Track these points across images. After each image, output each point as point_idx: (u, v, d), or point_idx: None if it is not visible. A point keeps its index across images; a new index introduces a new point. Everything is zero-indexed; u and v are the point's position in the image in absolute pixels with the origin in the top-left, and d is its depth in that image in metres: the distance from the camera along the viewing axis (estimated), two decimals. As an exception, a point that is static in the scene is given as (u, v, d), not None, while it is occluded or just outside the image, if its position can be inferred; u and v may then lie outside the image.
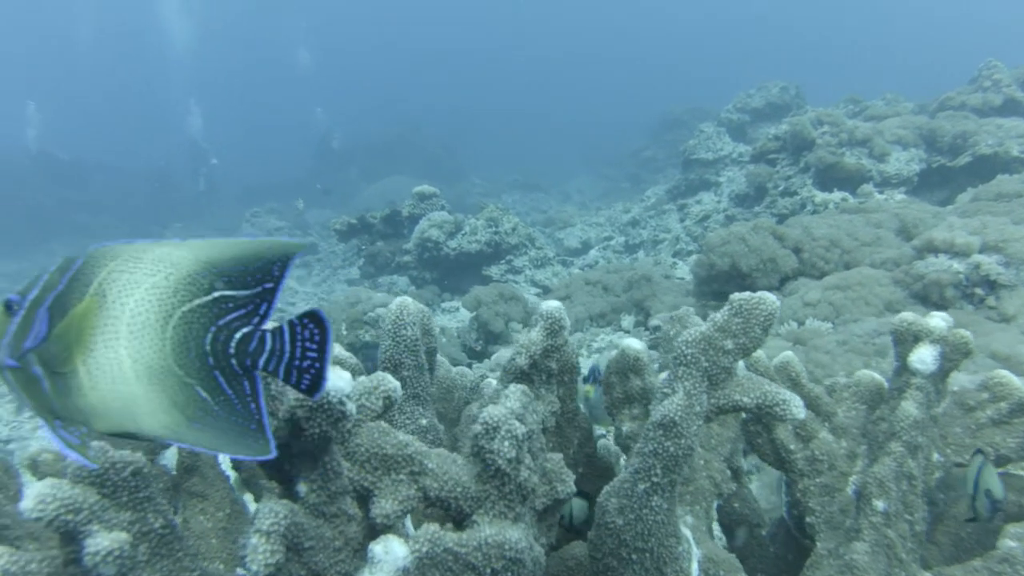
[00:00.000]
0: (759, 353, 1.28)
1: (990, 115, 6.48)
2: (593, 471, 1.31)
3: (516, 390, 0.92)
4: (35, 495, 0.68)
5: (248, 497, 1.55)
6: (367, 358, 4.66)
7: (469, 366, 4.30)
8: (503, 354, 4.07)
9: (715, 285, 4.10)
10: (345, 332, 4.61)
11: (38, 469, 1.35)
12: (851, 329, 3.12)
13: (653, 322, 4.09)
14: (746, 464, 1.54)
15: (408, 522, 1.23)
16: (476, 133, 20.43)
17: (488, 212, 6.63)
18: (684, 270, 6.23)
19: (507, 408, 0.86)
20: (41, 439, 5.31)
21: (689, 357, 0.95)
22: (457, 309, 5.89)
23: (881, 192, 6.05)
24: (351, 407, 0.77)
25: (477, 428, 0.85)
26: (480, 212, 6.75)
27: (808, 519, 1.16)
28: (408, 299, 1.20)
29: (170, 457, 1.41)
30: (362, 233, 7.08)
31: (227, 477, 1.45)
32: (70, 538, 0.71)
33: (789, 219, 4.84)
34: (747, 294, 0.98)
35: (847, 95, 8.48)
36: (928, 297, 3.35)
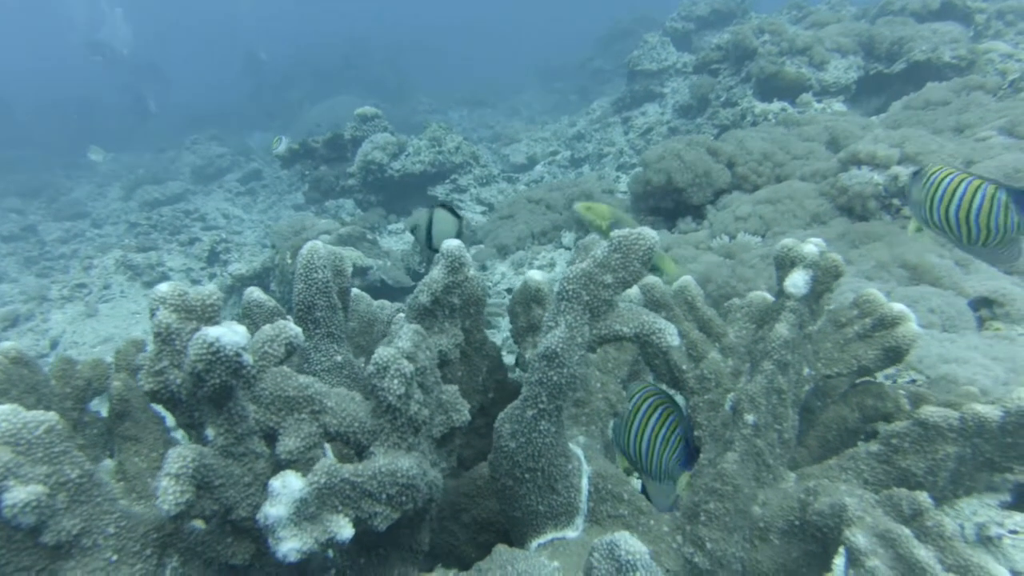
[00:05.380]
0: (653, 279, 1.37)
1: (928, 19, 6.52)
2: (504, 395, 1.40)
3: (408, 330, 0.99)
4: (-52, 456, 0.73)
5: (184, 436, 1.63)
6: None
7: (412, 288, 4.37)
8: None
9: (652, 201, 4.19)
10: (290, 260, 4.61)
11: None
12: (777, 242, 3.25)
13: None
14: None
15: (330, 452, 1.32)
16: (423, 50, 19.80)
17: (431, 131, 6.56)
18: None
19: (397, 348, 0.93)
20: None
21: (571, 292, 1.03)
22: (403, 231, 5.92)
23: (820, 101, 6.13)
24: (247, 358, 0.83)
25: (370, 368, 0.92)
26: (423, 132, 6.69)
27: (696, 432, 1.28)
28: (318, 243, 1.25)
29: (100, 404, 1.46)
30: (305, 158, 6.97)
31: (162, 419, 1.51)
32: (-12, 493, 0.77)
33: (725, 133, 4.90)
34: (626, 231, 1.05)
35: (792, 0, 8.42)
36: (852, 209, 3.48)
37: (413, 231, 2.14)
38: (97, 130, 13.36)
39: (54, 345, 5.51)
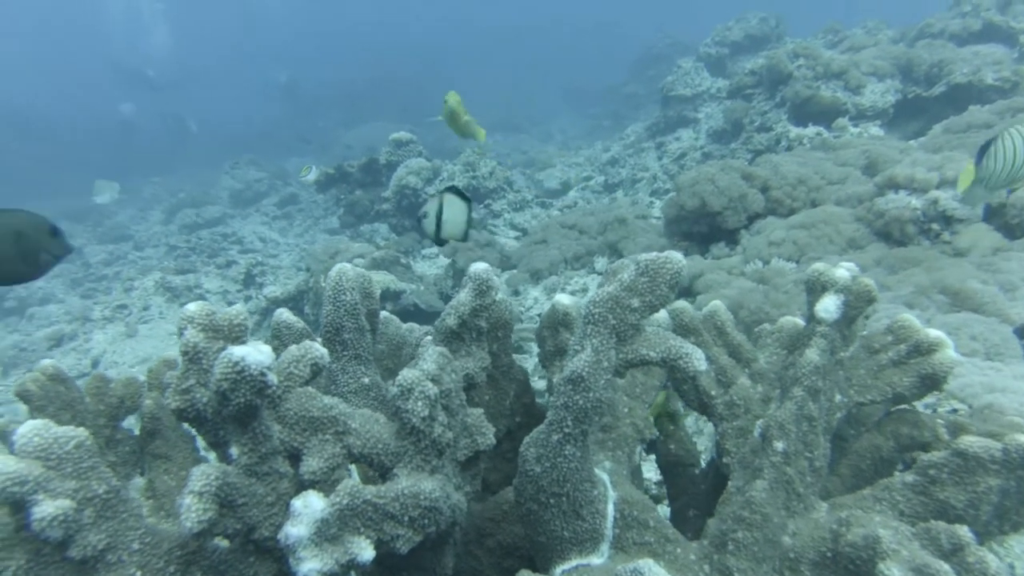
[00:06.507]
0: (682, 304, 1.36)
1: (969, 42, 6.42)
2: (532, 419, 1.39)
3: (433, 352, 0.99)
4: (-20, 471, 0.75)
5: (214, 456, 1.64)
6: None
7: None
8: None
9: (685, 225, 4.17)
10: (324, 284, 4.67)
11: (7, 439, 1.43)
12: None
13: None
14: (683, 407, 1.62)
15: (355, 473, 1.32)
16: (455, 75, 20.06)
17: (465, 157, 6.63)
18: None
19: (421, 370, 0.93)
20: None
21: (597, 316, 1.02)
22: (437, 256, 5.95)
23: (856, 125, 6.05)
24: (272, 378, 0.84)
25: (394, 390, 0.93)
26: (457, 157, 6.75)
27: (724, 459, 1.25)
28: (347, 266, 1.26)
29: (132, 422, 1.49)
30: (340, 183, 7.08)
31: (193, 438, 1.53)
32: (18, 507, 0.78)
33: (759, 158, 4.87)
34: (654, 254, 1.04)
35: (828, 24, 8.37)
36: (890, 234, 3.42)
37: (422, 220, 2.11)
38: (138, 152, 13.73)
39: (95, 364, 5.63)
